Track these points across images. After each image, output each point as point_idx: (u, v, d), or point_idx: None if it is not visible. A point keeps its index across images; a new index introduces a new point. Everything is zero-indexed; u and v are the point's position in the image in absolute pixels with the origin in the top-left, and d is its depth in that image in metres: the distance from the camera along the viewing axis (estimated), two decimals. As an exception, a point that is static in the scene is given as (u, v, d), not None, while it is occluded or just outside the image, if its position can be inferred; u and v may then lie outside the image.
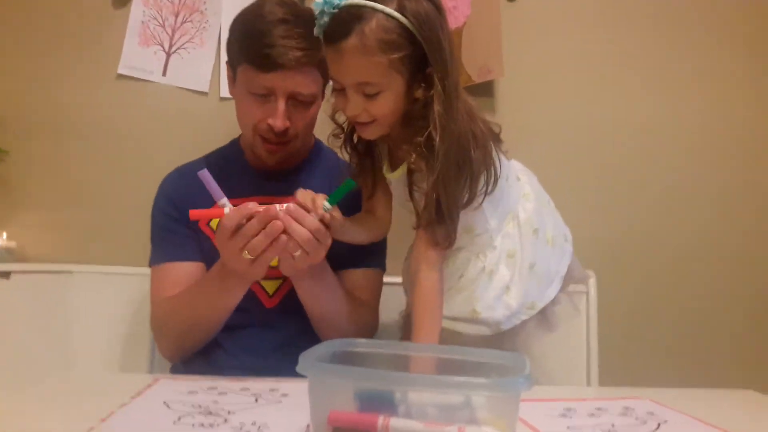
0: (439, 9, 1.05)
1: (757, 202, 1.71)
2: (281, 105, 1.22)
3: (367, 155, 1.20)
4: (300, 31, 1.18)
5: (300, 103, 1.24)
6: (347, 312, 1.24)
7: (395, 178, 1.16)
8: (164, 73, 1.71)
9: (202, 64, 1.71)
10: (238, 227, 1.04)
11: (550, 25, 1.70)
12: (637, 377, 1.64)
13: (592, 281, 1.57)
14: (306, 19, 1.19)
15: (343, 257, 1.27)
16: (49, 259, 1.67)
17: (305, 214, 1.06)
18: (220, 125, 1.49)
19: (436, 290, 1.08)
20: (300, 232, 1.05)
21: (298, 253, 1.07)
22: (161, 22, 1.71)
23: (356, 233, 1.21)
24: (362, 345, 0.87)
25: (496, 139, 1.14)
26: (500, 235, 1.17)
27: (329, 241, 1.10)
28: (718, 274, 1.70)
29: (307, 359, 0.73)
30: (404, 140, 1.09)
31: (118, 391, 1.00)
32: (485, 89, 1.68)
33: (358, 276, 1.32)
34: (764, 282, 1.70)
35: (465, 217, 1.12)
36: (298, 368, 0.72)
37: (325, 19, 1.01)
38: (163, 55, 1.71)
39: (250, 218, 1.04)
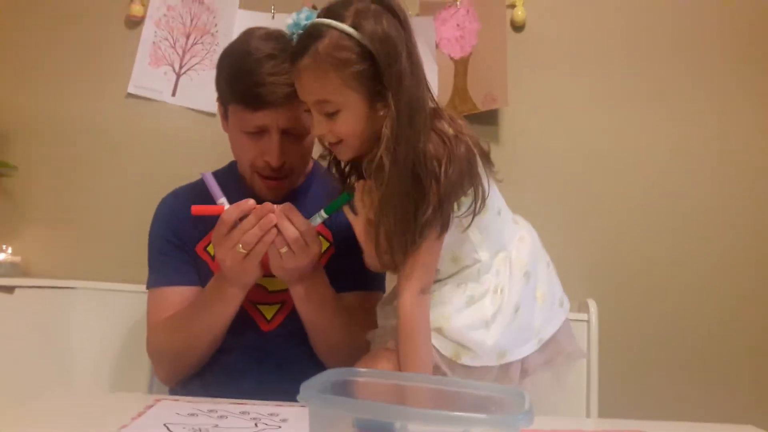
0: (403, 25, 1.03)
1: (758, 233, 1.71)
2: (275, 141, 1.22)
3: (353, 175, 1.18)
4: (288, 66, 1.16)
5: (294, 136, 1.24)
6: (341, 325, 1.23)
7: None
8: (173, 94, 1.73)
9: (211, 86, 1.70)
10: (236, 223, 1.09)
11: (555, 56, 1.72)
12: (637, 409, 1.64)
13: (593, 310, 1.57)
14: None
15: (343, 280, 1.27)
16: (52, 274, 1.68)
17: (298, 214, 1.09)
18: (226, 146, 1.50)
19: (415, 323, 1.05)
20: (289, 230, 1.09)
21: (284, 250, 1.09)
22: (172, 43, 1.74)
23: None
24: (363, 374, 0.88)
25: (487, 159, 1.10)
26: (489, 273, 1.12)
27: (317, 247, 1.13)
28: (720, 306, 1.70)
29: (308, 389, 0.73)
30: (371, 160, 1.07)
31: (118, 411, 1.00)
32: (489, 118, 1.70)
33: (357, 298, 1.32)
34: (766, 314, 1.70)
35: (453, 245, 1.09)
36: (299, 397, 0.72)
37: (294, 40, 1.04)
38: (173, 76, 1.74)
39: (247, 215, 1.09)
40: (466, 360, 1.08)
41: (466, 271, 1.13)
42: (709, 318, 1.70)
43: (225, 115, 1.30)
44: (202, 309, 1.22)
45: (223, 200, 1.12)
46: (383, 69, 1.00)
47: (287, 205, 1.10)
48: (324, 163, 1.20)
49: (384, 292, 1.38)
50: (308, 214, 1.16)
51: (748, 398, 1.65)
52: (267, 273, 1.27)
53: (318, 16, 1.03)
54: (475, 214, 1.06)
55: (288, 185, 1.31)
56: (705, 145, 1.72)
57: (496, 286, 1.11)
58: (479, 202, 1.06)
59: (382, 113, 1.02)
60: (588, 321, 1.55)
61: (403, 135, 1.00)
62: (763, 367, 1.68)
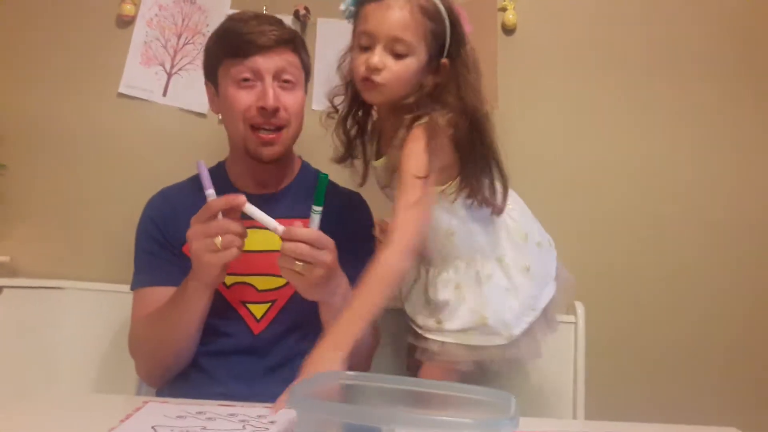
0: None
1: (745, 238, 1.73)
2: (269, 83, 1.26)
3: (357, 138, 1.26)
4: (273, 21, 1.29)
5: (285, 85, 1.29)
6: None
7: (380, 165, 1.23)
8: (164, 94, 1.73)
9: (202, 86, 1.71)
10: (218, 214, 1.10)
11: (545, 60, 1.73)
12: (623, 411, 1.65)
13: (581, 312, 1.59)
14: (276, 18, 1.33)
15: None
16: (41, 274, 1.67)
17: (299, 229, 1.07)
18: (217, 147, 1.50)
19: (390, 275, 1.06)
20: (287, 246, 1.06)
21: (299, 266, 1.07)
22: (163, 43, 1.74)
23: None
24: (351, 378, 0.88)
25: None
26: (488, 238, 1.22)
27: (330, 248, 1.09)
28: (706, 310, 1.71)
29: (296, 393, 0.74)
30: (395, 128, 1.15)
31: (106, 413, 1.01)
32: (480, 120, 1.70)
33: None
34: (751, 318, 1.72)
35: (448, 223, 1.19)
36: (287, 402, 0.73)
37: None
38: (164, 76, 1.73)
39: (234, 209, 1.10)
40: (516, 330, 1.18)
41: (464, 244, 1.21)
42: (696, 321, 1.72)
43: (215, 89, 1.34)
44: (172, 305, 1.23)
45: (211, 191, 1.12)
46: (452, 38, 1.14)
47: (285, 229, 1.09)
48: (329, 123, 1.27)
49: None
50: (296, 212, 1.21)
51: (732, 401, 1.67)
52: (256, 272, 1.28)
53: None
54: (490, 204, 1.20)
55: (283, 141, 1.30)
56: (694, 150, 1.74)
57: (499, 255, 1.21)
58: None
59: (427, 81, 1.13)
60: (575, 323, 1.57)
61: (472, 106, 1.14)
62: (747, 370, 1.70)
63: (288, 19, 1.73)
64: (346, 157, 1.26)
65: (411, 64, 1.12)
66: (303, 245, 1.06)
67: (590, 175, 1.73)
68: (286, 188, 1.39)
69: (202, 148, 1.67)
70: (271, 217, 1.14)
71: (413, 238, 1.09)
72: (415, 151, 1.11)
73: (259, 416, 1.01)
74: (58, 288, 1.60)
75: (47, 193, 1.71)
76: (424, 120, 1.11)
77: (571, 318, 1.58)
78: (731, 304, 1.71)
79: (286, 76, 1.28)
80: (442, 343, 1.20)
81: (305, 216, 1.23)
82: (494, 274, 1.20)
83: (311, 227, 1.09)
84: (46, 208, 1.71)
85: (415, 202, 1.09)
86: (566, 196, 1.72)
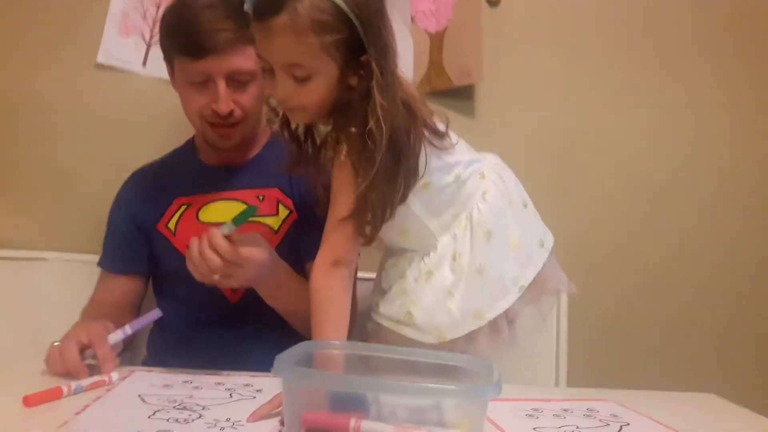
0: None
1: (730, 216, 1.76)
2: (221, 88, 1.23)
3: (307, 140, 1.14)
4: (227, 13, 1.19)
5: (240, 83, 1.25)
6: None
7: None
8: (144, 64, 1.70)
9: (183, 56, 1.70)
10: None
11: (531, 32, 1.72)
12: (604, 379, 1.68)
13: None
14: (233, 1, 1.19)
15: (307, 247, 1.24)
16: (23, 245, 1.65)
17: (217, 239, 1.03)
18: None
19: (323, 297, 1.02)
20: (207, 258, 1.04)
21: (216, 278, 1.06)
22: (142, 12, 1.70)
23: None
24: (336, 347, 0.89)
25: (437, 135, 1.08)
26: (448, 236, 1.11)
27: (239, 259, 1.05)
28: (685, 281, 1.75)
29: (281, 362, 0.74)
30: (338, 128, 1.04)
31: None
32: (465, 93, 1.69)
33: None
34: (731, 290, 1.75)
35: (397, 219, 1.06)
36: (273, 371, 0.73)
37: None
38: (143, 46, 1.70)
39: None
40: (449, 335, 1.08)
41: (418, 242, 1.12)
42: (675, 291, 1.75)
43: (172, 73, 1.32)
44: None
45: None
46: (367, 38, 0.97)
47: (210, 232, 1.05)
48: (273, 126, 1.18)
49: None
50: (261, 182, 1.25)
51: (710, 368, 1.71)
52: None
53: None
54: (408, 186, 1.04)
55: (242, 133, 1.30)
56: (677, 127, 1.75)
57: (454, 252, 1.10)
58: (414, 176, 1.04)
59: (352, 82, 1.01)
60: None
61: (394, 106, 0.99)
62: (724, 339, 1.74)
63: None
64: (300, 161, 1.15)
65: (318, 84, 0.99)
66: (216, 259, 1.04)
67: (576, 149, 1.74)
68: (253, 159, 1.39)
69: (183, 119, 1.65)
70: (236, 187, 1.20)
71: (341, 254, 1.04)
72: (343, 173, 1.03)
73: (246, 385, 1.02)
74: (42, 259, 1.59)
75: (28, 165, 1.69)
76: (350, 131, 1.01)
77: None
78: (714, 274, 1.75)
79: (240, 77, 1.24)
80: (378, 324, 1.15)
81: (270, 186, 1.28)
82: (439, 272, 1.09)
83: (221, 231, 1.05)
84: (28, 180, 1.69)
85: (347, 216, 1.03)
86: (551, 168, 1.73)
